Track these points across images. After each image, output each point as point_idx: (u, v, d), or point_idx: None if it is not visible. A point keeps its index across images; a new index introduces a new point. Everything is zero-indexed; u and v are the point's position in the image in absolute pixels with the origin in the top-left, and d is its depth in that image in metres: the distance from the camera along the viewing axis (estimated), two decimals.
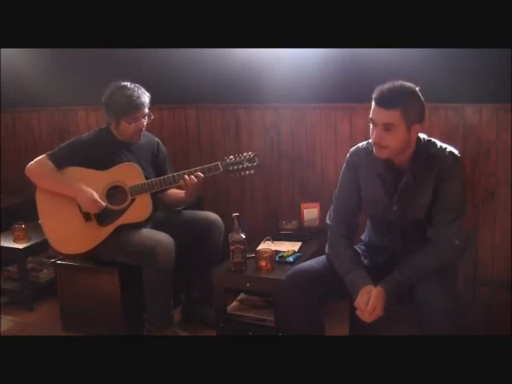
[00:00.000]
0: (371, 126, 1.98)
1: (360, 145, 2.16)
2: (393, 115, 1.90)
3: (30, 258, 3.30)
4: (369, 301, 1.95)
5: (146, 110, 2.69)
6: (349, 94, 2.86)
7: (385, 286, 1.97)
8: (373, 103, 1.95)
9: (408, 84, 1.96)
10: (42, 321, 3.02)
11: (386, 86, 1.94)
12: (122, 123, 2.67)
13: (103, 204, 2.64)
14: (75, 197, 2.65)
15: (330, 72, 2.85)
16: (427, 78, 2.60)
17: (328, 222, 2.21)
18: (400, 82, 1.95)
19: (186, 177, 2.61)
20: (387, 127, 1.92)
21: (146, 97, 2.68)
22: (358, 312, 1.99)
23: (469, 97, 2.63)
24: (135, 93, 2.64)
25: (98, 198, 2.63)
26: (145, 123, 2.71)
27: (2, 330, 2.92)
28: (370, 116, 1.97)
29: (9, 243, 3.19)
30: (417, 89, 1.96)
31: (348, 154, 2.18)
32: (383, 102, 1.92)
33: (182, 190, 2.73)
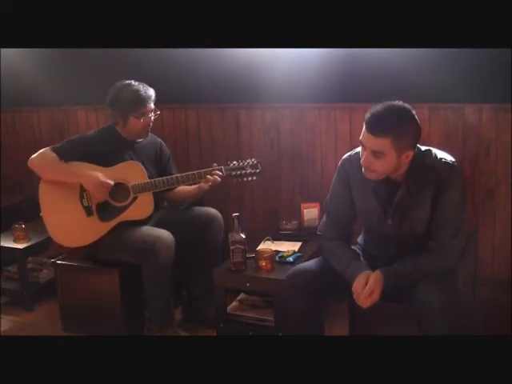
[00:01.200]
0: (360, 144, 1.92)
1: (352, 153, 2.09)
2: (382, 143, 1.83)
3: (30, 258, 3.30)
4: (366, 285, 1.93)
5: (153, 105, 2.72)
6: (349, 94, 2.86)
7: (384, 272, 1.96)
8: (363, 125, 1.88)
9: (402, 107, 1.87)
10: (41, 321, 3.02)
11: (379, 109, 1.85)
12: (130, 119, 2.69)
13: (111, 183, 2.64)
14: (81, 182, 2.65)
15: (330, 72, 2.84)
16: (427, 78, 2.62)
17: (319, 232, 2.20)
18: (395, 106, 1.86)
19: (210, 177, 2.63)
20: (376, 154, 1.86)
21: (151, 91, 2.72)
22: (354, 296, 1.96)
23: (469, 97, 2.63)
24: (141, 88, 2.68)
25: (104, 178, 2.62)
26: (152, 118, 2.74)
27: (1, 329, 2.92)
28: (360, 138, 1.90)
29: (9, 243, 3.19)
30: (413, 112, 1.88)
31: (340, 162, 2.12)
32: (372, 128, 1.83)
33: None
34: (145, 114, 2.69)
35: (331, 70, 2.84)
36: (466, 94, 2.62)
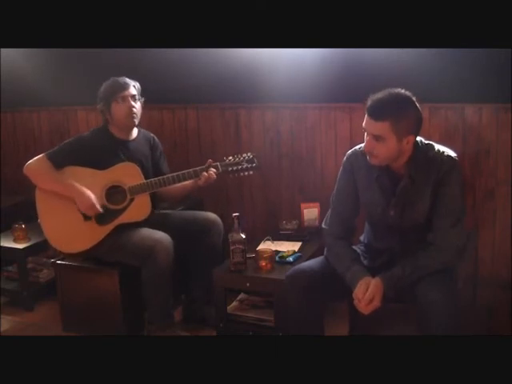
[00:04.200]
0: (363, 130, 1.97)
1: (357, 147, 2.14)
2: (382, 127, 1.89)
3: (29, 258, 3.30)
4: (367, 291, 1.95)
5: (133, 92, 2.74)
6: (349, 94, 2.85)
7: (384, 278, 1.97)
8: (365, 113, 1.94)
9: (403, 94, 1.93)
10: (42, 321, 3.02)
11: (379, 95, 1.92)
12: (112, 106, 2.72)
13: (100, 210, 2.65)
14: (73, 197, 2.65)
15: (330, 72, 2.84)
16: (427, 78, 2.61)
17: (324, 226, 2.21)
18: (395, 92, 1.93)
19: (205, 173, 2.65)
20: (377, 138, 1.91)
21: (131, 80, 2.77)
22: (355, 302, 1.99)
23: (469, 97, 2.63)
24: (120, 78, 2.76)
25: (95, 202, 2.64)
26: (136, 106, 2.74)
27: (1, 329, 2.92)
28: (363, 125, 1.96)
29: (9, 243, 3.19)
30: (413, 99, 1.93)
31: (345, 157, 2.17)
32: (372, 113, 1.90)
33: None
34: (124, 98, 2.71)
35: (331, 70, 2.84)
36: (466, 93, 2.62)
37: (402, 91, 1.94)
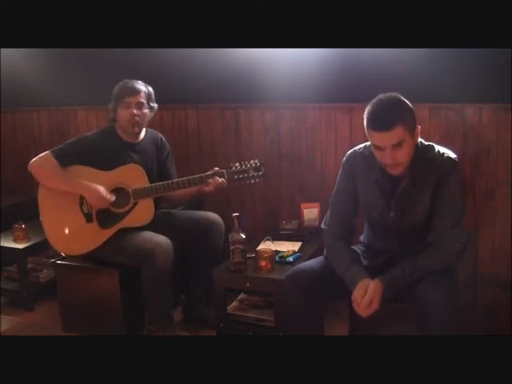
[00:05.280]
0: (375, 149, 1.95)
1: (357, 148, 2.15)
2: (397, 134, 1.89)
3: (29, 258, 3.30)
4: (365, 294, 1.95)
5: (141, 100, 2.69)
6: (349, 94, 2.85)
7: (383, 280, 1.97)
8: (368, 129, 1.93)
9: (392, 96, 1.95)
10: (42, 321, 3.02)
11: (376, 108, 1.92)
12: (118, 111, 2.70)
13: (111, 199, 2.63)
14: (81, 193, 2.64)
15: (330, 72, 2.84)
16: (427, 78, 2.62)
17: (323, 226, 2.21)
18: (384, 97, 1.94)
19: (212, 181, 2.61)
20: (397, 146, 1.90)
21: (142, 86, 2.72)
22: (354, 305, 1.98)
23: (469, 97, 2.63)
24: (130, 82, 2.71)
25: (105, 192, 2.61)
26: (139, 114, 2.68)
27: (1, 329, 2.92)
28: (373, 143, 1.94)
29: (9, 243, 3.19)
30: (399, 95, 1.95)
31: (344, 158, 2.17)
32: (383, 126, 1.89)
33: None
34: (129, 104, 2.67)
35: (331, 70, 2.84)
36: (466, 93, 2.62)
37: (388, 94, 1.95)
